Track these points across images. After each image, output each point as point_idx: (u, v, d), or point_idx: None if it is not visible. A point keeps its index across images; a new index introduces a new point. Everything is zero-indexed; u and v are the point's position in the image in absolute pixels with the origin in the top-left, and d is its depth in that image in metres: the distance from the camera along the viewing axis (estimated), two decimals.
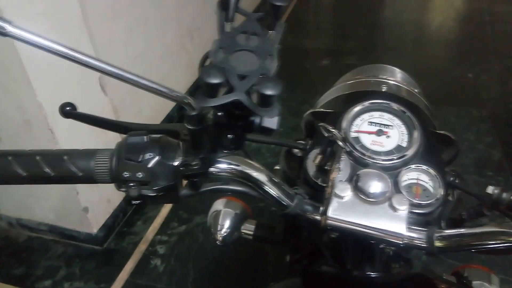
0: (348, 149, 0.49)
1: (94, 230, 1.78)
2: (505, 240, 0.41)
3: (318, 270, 0.60)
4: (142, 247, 1.82)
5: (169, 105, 2.51)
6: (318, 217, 0.46)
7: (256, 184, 0.46)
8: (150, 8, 2.18)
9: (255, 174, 0.45)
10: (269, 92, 0.33)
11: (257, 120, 0.40)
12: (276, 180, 0.47)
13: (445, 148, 0.53)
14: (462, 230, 0.43)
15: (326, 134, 0.48)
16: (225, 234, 0.75)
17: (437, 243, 0.43)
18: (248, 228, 0.75)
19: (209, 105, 0.35)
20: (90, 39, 1.59)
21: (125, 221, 1.94)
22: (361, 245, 0.53)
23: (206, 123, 0.40)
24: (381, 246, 0.48)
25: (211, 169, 0.44)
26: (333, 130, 0.47)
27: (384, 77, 0.66)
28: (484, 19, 3.68)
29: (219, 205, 0.77)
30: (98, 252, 1.81)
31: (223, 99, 0.35)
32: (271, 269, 1.66)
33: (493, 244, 0.41)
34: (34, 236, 1.90)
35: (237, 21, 0.43)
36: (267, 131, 0.41)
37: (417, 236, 0.44)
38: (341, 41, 3.61)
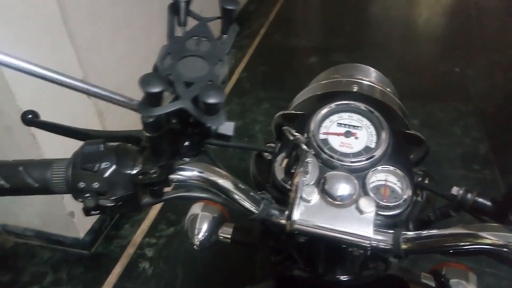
0: (313, 153, 0.48)
1: (81, 234, 1.76)
2: (471, 242, 0.40)
3: (291, 274, 0.59)
4: (130, 250, 1.81)
5: None
6: (284, 222, 0.45)
7: (220, 190, 0.45)
8: (133, 9, 2.16)
9: (219, 180, 0.45)
10: (211, 100, 0.32)
11: (213, 126, 0.39)
12: (241, 185, 0.46)
13: (415, 148, 0.52)
14: (428, 232, 0.43)
15: (291, 138, 0.47)
16: (203, 238, 0.74)
17: (403, 246, 0.43)
18: (225, 232, 0.74)
19: (151, 115, 0.34)
20: (70, 42, 1.57)
21: (113, 224, 1.92)
22: (331, 249, 0.53)
23: (164, 130, 0.39)
24: (350, 249, 0.47)
25: (173, 177, 0.43)
26: (296, 134, 0.46)
27: (357, 77, 0.66)
28: (471, 14, 3.70)
29: (196, 209, 0.76)
30: (85, 257, 1.79)
31: (166, 108, 0.34)
32: (261, 271, 1.66)
33: (459, 246, 0.41)
34: (20, 242, 1.87)
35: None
36: (224, 137, 0.40)
37: (383, 238, 0.44)
38: (328, 39, 3.61)
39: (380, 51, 3.24)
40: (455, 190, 0.48)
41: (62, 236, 1.79)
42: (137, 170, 0.40)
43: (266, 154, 0.55)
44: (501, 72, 2.85)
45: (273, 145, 0.54)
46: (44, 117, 1.51)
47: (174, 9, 0.39)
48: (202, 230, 0.74)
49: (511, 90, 2.70)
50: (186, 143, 0.41)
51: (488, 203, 0.45)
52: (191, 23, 0.43)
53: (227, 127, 0.40)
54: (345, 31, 3.64)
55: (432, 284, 0.67)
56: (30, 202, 1.70)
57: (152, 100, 0.33)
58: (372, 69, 0.74)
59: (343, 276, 0.54)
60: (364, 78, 0.65)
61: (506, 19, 3.61)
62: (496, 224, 0.40)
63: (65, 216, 1.69)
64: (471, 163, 2.11)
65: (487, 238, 0.39)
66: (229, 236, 0.74)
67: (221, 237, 0.74)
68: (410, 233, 0.43)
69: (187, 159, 0.44)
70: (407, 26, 3.71)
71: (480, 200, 0.46)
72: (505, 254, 0.38)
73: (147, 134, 0.38)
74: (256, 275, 0.90)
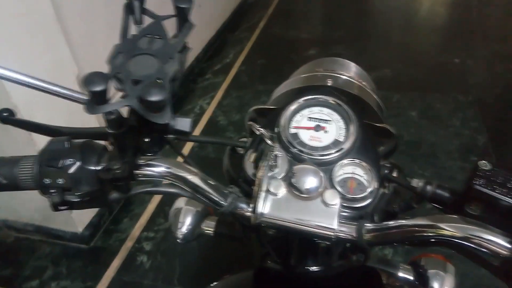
0: (276, 147, 0.49)
1: (79, 229, 1.79)
2: (430, 232, 0.41)
3: (266, 265, 0.61)
4: (128, 244, 1.83)
5: None
6: (250, 215, 0.46)
7: (188, 184, 0.46)
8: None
9: (186, 175, 0.45)
10: (152, 98, 0.33)
11: (172, 122, 0.40)
12: (208, 180, 0.47)
13: (385, 141, 0.53)
14: (389, 223, 0.43)
15: (257, 133, 0.47)
16: (186, 231, 0.75)
17: (366, 237, 0.44)
18: (208, 225, 0.75)
19: (97, 113, 0.35)
20: (65, 39, 1.58)
21: (112, 219, 1.95)
22: (300, 240, 0.54)
23: (127, 127, 0.40)
24: (317, 241, 0.48)
25: (139, 172, 0.44)
26: (260, 129, 0.46)
27: (334, 71, 0.66)
28: (472, 3, 3.66)
29: (180, 202, 0.77)
30: (84, 251, 1.82)
31: (112, 105, 0.35)
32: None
33: (418, 237, 0.41)
34: (21, 237, 1.91)
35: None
36: (182, 133, 0.41)
37: (347, 230, 0.44)
38: (328, 31, 3.59)
39: (380, 42, 3.22)
40: (415, 182, 0.48)
41: (61, 230, 1.82)
42: (102, 166, 0.41)
43: (239, 149, 0.56)
44: (501, 62, 2.82)
45: (245, 140, 0.55)
46: (39, 115, 1.53)
47: (128, 9, 0.40)
48: (185, 223, 0.75)
49: (510, 80, 2.68)
50: (147, 140, 0.42)
51: (447, 195, 0.46)
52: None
53: (184, 123, 0.41)
54: (345, 22, 3.61)
55: (411, 275, 0.68)
56: (30, 197, 1.72)
57: (97, 98, 0.34)
58: (352, 64, 0.74)
59: (314, 267, 0.55)
60: (341, 72, 0.65)
61: (507, 8, 3.56)
62: (454, 216, 0.40)
63: (64, 211, 1.71)
64: (469, 154, 2.10)
65: (445, 230, 0.39)
66: (212, 229, 0.75)
67: (205, 230, 0.75)
68: (372, 225, 0.44)
69: (153, 155, 0.45)
70: (407, 17, 3.68)
71: (439, 191, 0.46)
72: (462, 245, 0.39)
73: (110, 131, 0.39)
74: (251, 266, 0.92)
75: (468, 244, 0.38)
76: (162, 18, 0.40)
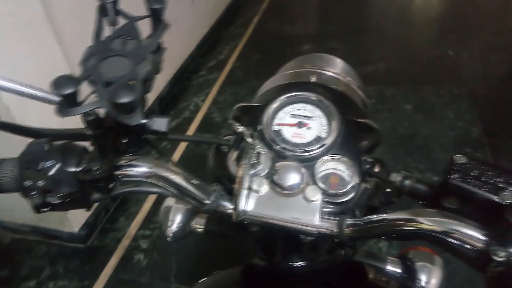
0: (257, 145, 0.49)
1: (76, 229, 1.79)
2: (410, 226, 0.41)
3: (253, 262, 0.61)
4: (125, 242, 1.83)
5: (150, 98, 2.51)
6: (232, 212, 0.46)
7: (170, 183, 0.46)
8: (122, 1, 2.15)
9: (168, 174, 0.45)
10: (120, 100, 0.33)
11: (148, 123, 0.40)
12: (191, 178, 0.47)
13: (367, 136, 0.53)
14: (369, 218, 0.43)
15: (237, 131, 0.48)
16: (176, 229, 0.75)
17: (347, 232, 0.44)
18: (199, 223, 0.76)
19: (68, 115, 0.35)
20: (55, 38, 1.57)
21: (108, 218, 1.95)
22: (284, 237, 0.54)
23: (106, 128, 0.40)
24: (301, 237, 0.48)
25: (120, 173, 0.44)
26: (240, 127, 0.47)
27: (319, 67, 0.66)
28: None
29: (170, 201, 0.77)
30: (81, 250, 1.82)
31: (83, 108, 0.35)
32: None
33: (398, 231, 0.42)
34: (17, 238, 1.91)
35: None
36: (159, 133, 0.41)
37: (328, 225, 0.45)
38: (322, 25, 3.58)
39: (374, 37, 3.21)
40: (393, 177, 0.48)
41: (57, 230, 1.82)
42: (82, 167, 0.41)
43: (223, 147, 0.56)
44: (495, 54, 2.82)
45: (229, 138, 0.55)
46: (32, 116, 1.52)
47: (102, 10, 0.40)
48: (175, 221, 0.75)
49: (505, 72, 2.68)
50: (125, 140, 0.42)
51: (424, 189, 0.46)
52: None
53: (160, 123, 0.41)
54: (339, 17, 3.61)
55: (399, 268, 0.68)
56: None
57: (68, 101, 0.34)
58: (338, 60, 0.74)
59: (299, 263, 0.56)
60: (326, 69, 0.65)
61: (501, 0, 3.56)
62: (432, 210, 0.41)
63: (59, 211, 1.71)
64: (463, 146, 2.11)
65: (423, 223, 0.40)
66: (202, 227, 0.75)
67: (194, 228, 0.76)
68: (352, 220, 0.44)
69: (134, 155, 0.45)
70: (402, 10, 3.67)
71: (417, 186, 0.46)
72: (439, 239, 0.39)
73: (88, 132, 0.39)
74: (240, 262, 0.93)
75: (445, 237, 0.39)
76: (136, 19, 0.40)
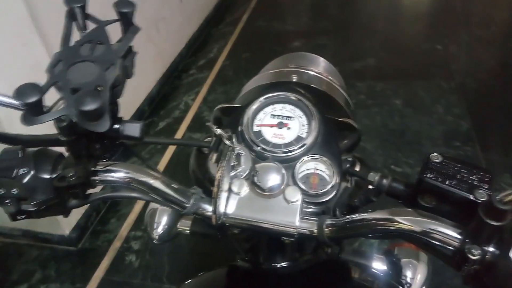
0: (237, 146, 0.49)
1: (66, 231, 1.78)
2: (389, 225, 0.41)
3: (236, 263, 0.61)
4: (116, 244, 1.83)
5: (139, 98, 2.49)
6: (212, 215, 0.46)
7: (148, 188, 0.45)
8: (109, 1, 2.13)
9: (145, 179, 0.45)
10: (84, 107, 0.33)
11: (121, 128, 0.40)
12: (169, 182, 0.47)
13: (348, 134, 0.53)
14: (348, 218, 0.43)
15: (216, 133, 0.47)
16: (162, 232, 0.75)
17: (327, 232, 0.44)
18: (184, 224, 0.75)
19: (33, 124, 0.35)
20: (41, 39, 1.55)
21: (99, 220, 1.94)
22: (268, 238, 0.54)
23: (80, 133, 0.39)
24: (282, 238, 0.48)
25: (97, 178, 0.43)
26: (218, 129, 0.46)
27: (301, 66, 0.66)
28: None
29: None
30: (72, 253, 1.81)
31: (48, 115, 0.34)
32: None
33: (377, 230, 0.42)
34: (8, 242, 1.89)
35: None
36: (133, 138, 0.40)
37: (308, 226, 0.45)
38: (312, 21, 3.58)
39: (364, 32, 3.22)
40: (371, 176, 0.48)
41: (48, 234, 1.81)
42: (56, 174, 0.41)
43: (204, 149, 0.56)
44: (484, 48, 2.84)
45: (210, 139, 0.55)
46: (14, 118, 1.50)
47: (71, 15, 0.39)
48: (161, 223, 0.75)
49: (493, 65, 2.70)
50: (98, 146, 0.42)
51: (402, 188, 0.46)
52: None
53: (134, 128, 0.40)
54: (329, 13, 3.60)
55: (384, 265, 0.69)
56: None
57: (32, 109, 0.34)
58: (320, 59, 0.74)
59: (283, 263, 0.56)
60: (308, 68, 0.65)
61: None
62: (408, 209, 0.41)
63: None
64: (452, 140, 2.12)
65: (400, 223, 0.40)
66: (188, 229, 0.75)
67: (181, 230, 0.75)
68: (332, 220, 0.44)
69: (110, 161, 0.44)
70: (391, 5, 3.68)
71: (394, 185, 0.47)
72: (416, 238, 0.39)
73: (62, 138, 0.39)
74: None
75: (421, 236, 0.39)
76: (105, 23, 0.40)
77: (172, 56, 2.93)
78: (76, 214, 1.83)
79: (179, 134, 2.40)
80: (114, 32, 0.43)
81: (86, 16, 0.39)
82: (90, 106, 0.33)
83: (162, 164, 2.18)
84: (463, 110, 2.30)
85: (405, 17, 3.48)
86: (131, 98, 2.41)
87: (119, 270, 1.72)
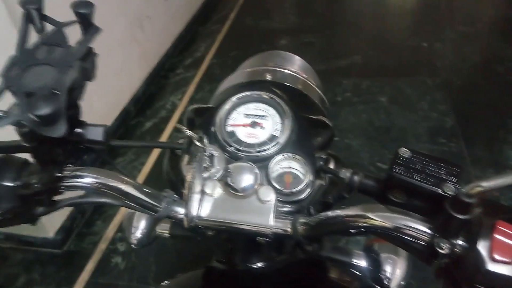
0: (209, 148, 0.47)
1: (51, 234, 1.76)
2: (362, 222, 0.41)
3: (213, 265, 0.61)
4: (102, 246, 1.81)
5: (124, 99, 2.46)
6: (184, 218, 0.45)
7: (118, 192, 0.44)
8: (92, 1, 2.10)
9: (115, 183, 0.44)
10: (38, 112, 0.31)
11: (84, 132, 0.39)
12: (140, 186, 0.46)
13: (321, 132, 0.53)
14: (323, 215, 0.43)
15: (186, 134, 0.46)
16: (140, 236, 0.73)
17: (301, 230, 0.44)
18: (163, 227, 0.74)
19: None
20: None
21: (85, 221, 1.92)
22: (244, 238, 0.53)
23: (40, 139, 0.38)
24: (258, 238, 0.48)
25: (64, 184, 0.42)
26: (187, 131, 0.45)
27: (275, 65, 0.65)
28: None
29: None
30: (57, 256, 1.79)
31: (1, 121, 0.33)
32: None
33: (350, 227, 0.41)
34: None
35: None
36: (97, 142, 0.39)
37: (282, 225, 0.44)
38: (299, 19, 3.58)
39: (350, 29, 3.23)
40: (342, 173, 0.48)
41: (32, 237, 1.78)
42: (20, 181, 0.39)
43: (178, 151, 0.55)
44: (468, 44, 2.87)
45: (183, 141, 0.54)
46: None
47: (27, 17, 0.38)
48: (139, 227, 0.73)
49: (477, 61, 2.73)
50: (61, 151, 0.41)
51: (372, 184, 0.46)
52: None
53: (97, 132, 0.39)
54: (316, 10, 3.61)
55: (364, 260, 0.69)
56: None
57: None
58: (296, 57, 0.73)
59: (259, 264, 0.55)
60: (283, 66, 0.65)
61: None
62: (379, 205, 0.41)
63: None
64: (437, 136, 2.14)
65: (372, 219, 0.40)
66: (167, 231, 0.74)
67: (160, 233, 0.74)
68: (305, 218, 0.44)
69: (77, 166, 0.43)
70: (376, 3, 3.70)
71: (365, 181, 0.46)
72: (387, 233, 0.39)
73: (25, 144, 0.38)
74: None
75: (392, 232, 0.39)
76: (63, 25, 0.38)
77: (158, 55, 2.91)
78: (61, 216, 1.80)
79: (165, 134, 2.38)
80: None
81: (43, 18, 0.38)
82: (44, 111, 0.31)
83: (148, 165, 2.16)
84: (448, 106, 2.33)
85: (391, 14, 3.50)
86: (115, 99, 2.39)
87: (105, 272, 1.70)
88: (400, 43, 2.98)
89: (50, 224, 1.74)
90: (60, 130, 0.33)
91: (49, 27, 0.39)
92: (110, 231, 1.86)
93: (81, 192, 0.45)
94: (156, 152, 2.22)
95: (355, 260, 0.69)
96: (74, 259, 1.77)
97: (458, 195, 0.33)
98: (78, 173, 0.43)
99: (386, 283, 0.69)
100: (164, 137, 2.36)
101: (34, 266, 1.76)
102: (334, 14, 3.58)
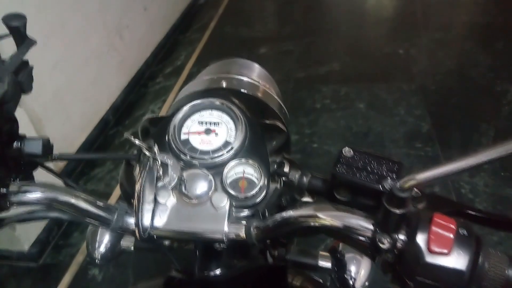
0: (162, 157, 0.47)
1: (26, 247, 1.72)
2: (312, 221, 0.41)
3: (171, 274, 0.60)
4: (79, 258, 1.77)
5: (103, 108, 2.44)
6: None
7: (67, 206, 0.44)
8: (67, 10, 2.09)
9: (64, 198, 0.43)
10: None
11: (21, 146, 0.38)
12: (90, 199, 0.45)
13: (276, 136, 0.53)
14: (275, 218, 0.43)
15: (136, 143, 0.46)
16: (104, 251, 0.72)
17: (255, 234, 0.44)
18: (128, 241, 0.73)
19: None
20: None
21: (61, 234, 1.88)
22: (202, 246, 0.53)
23: None
24: (216, 245, 0.48)
25: (9, 200, 0.41)
26: (136, 140, 0.45)
27: (232, 73, 0.66)
28: None
29: None
30: (33, 269, 1.75)
31: None
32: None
33: (301, 227, 0.42)
34: None
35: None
36: (36, 156, 0.39)
37: (236, 231, 0.45)
38: (278, 28, 3.63)
39: (328, 37, 3.28)
40: (292, 175, 0.49)
41: (6, 250, 1.74)
42: None
43: (133, 162, 0.54)
44: (442, 50, 2.95)
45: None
46: None
47: None
48: (103, 242, 0.72)
49: (452, 67, 2.80)
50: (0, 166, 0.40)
51: (319, 184, 0.47)
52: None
53: (35, 146, 0.39)
54: (294, 19, 3.66)
55: (329, 262, 0.69)
56: None
57: None
58: (255, 65, 0.75)
59: (216, 272, 0.55)
60: (240, 74, 0.66)
61: None
62: (326, 204, 0.41)
63: (7, 230, 1.64)
64: (413, 141, 2.18)
65: (321, 218, 0.40)
66: (132, 245, 0.72)
67: (125, 247, 0.73)
68: (258, 222, 0.44)
69: (25, 181, 0.42)
70: (354, 10, 3.77)
71: (313, 181, 0.47)
72: (335, 231, 0.40)
73: None
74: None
75: (339, 230, 0.39)
76: None
77: (138, 64, 2.90)
78: (36, 229, 1.77)
79: None
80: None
81: None
82: None
83: None
84: (423, 111, 2.37)
85: (368, 22, 3.57)
86: (93, 108, 2.37)
87: (82, 285, 1.67)
88: (377, 50, 3.04)
89: (25, 237, 1.71)
90: None
91: None
92: None
93: (31, 207, 0.44)
94: None
95: (321, 262, 0.69)
96: (51, 272, 1.73)
97: (393, 189, 0.34)
98: (25, 188, 0.42)
99: (351, 283, 0.70)
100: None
101: (9, 280, 1.72)
102: (312, 22, 3.63)
